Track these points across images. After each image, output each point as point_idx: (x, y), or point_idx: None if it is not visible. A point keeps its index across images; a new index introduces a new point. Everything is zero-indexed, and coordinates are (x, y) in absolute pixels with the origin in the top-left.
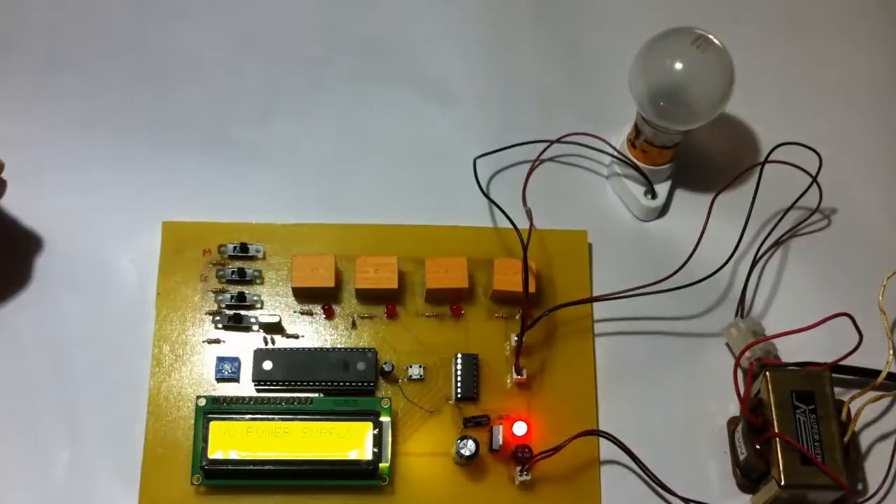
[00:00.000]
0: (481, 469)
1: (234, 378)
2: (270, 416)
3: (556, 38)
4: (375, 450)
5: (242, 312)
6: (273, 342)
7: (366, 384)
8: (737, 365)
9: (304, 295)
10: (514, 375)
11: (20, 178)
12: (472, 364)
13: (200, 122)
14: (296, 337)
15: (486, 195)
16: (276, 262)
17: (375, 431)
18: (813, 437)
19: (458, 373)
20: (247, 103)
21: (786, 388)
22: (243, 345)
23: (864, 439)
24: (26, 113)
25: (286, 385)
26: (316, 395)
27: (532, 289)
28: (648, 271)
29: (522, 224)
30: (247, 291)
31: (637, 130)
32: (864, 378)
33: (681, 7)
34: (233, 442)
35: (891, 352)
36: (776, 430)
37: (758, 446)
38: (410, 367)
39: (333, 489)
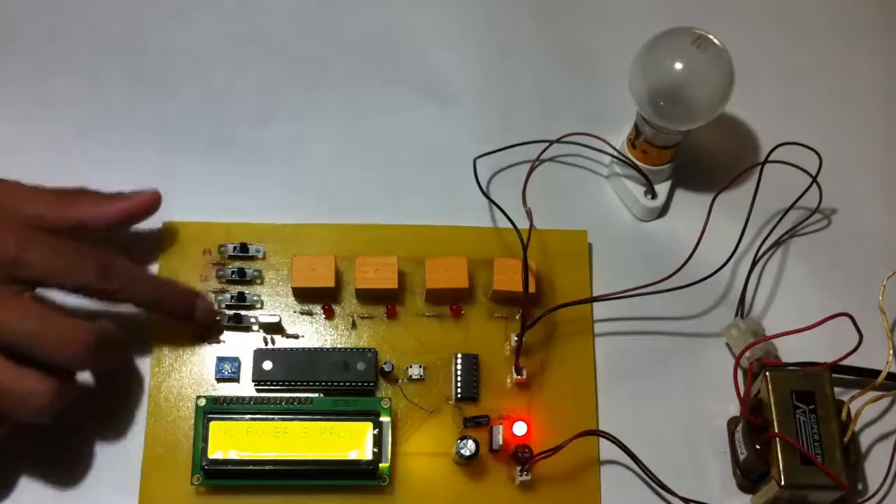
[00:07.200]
0: (481, 469)
1: (234, 378)
2: (270, 416)
3: (556, 38)
4: (375, 450)
5: (242, 312)
6: (273, 342)
7: (366, 384)
8: (737, 365)
9: (304, 295)
10: (514, 375)
11: (21, 179)
12: (472, 364)
13: (201, 122)
14: (296, 337)
15: (486, 195)
16: (276, 262)
17: (375, 431)
18: (813, 437)
19: (458, 373)
20: (247, 103)
21: (786, 388)
22: (243, 345)
23: (864, 439)
24: (27, 114)
25: (286, 385)
26: (316, 395)
27: (532, 289)
28: (648, 271)
29: (522, 224)
30: (247, 291)
31: (637, 130)
32: (864, 378)
33: (681, 7)
34: (233, 442)
35: (891, 352)
36: (776, 430)
37: (758, 446)
38: (410, 367)
39: (333, 489)
